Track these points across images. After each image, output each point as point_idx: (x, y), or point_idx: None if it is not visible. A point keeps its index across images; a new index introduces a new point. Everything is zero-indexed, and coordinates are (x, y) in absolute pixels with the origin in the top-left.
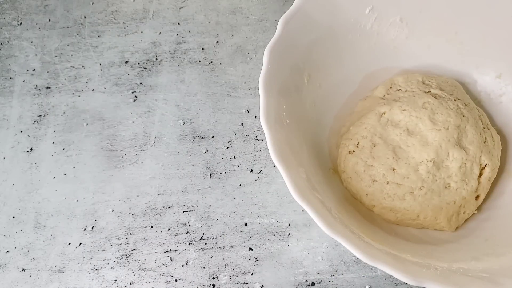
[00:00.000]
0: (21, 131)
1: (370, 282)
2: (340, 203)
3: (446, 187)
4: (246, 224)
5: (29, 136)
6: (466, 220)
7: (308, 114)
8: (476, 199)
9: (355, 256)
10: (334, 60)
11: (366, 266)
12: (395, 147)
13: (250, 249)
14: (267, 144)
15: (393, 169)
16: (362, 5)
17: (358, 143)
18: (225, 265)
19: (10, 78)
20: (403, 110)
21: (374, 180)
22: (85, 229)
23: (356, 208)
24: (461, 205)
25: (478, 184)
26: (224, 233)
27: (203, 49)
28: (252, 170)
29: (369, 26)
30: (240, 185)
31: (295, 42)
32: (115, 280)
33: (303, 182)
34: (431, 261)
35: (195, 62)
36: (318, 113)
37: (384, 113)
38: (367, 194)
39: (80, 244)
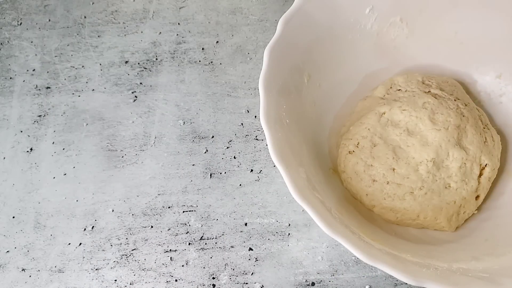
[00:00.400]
0: (21, 131)
1: (370, 282)
2: (340, 203)
3: (446, 187)
4: (246, 224)
5: (29, 136)
6: (466, 220)
7: (308, 114)
8: (476, 199)
9: (355, 256)
10: (334, 60)
11: (366, 266)
12: (395, 147)
13: (250, 249)
14: (267, 144)
15: (393, 169)
16: (362, 5)
17: (358, 143)
18: (225, 265)
19: (10, 78)
20: (403, 110)
21: (374, 180)
22: (85, 229)
23: (356, 208)
24: (461, 205)
25: (478, 184)
26: (224, 233)
27: (203, 49)
28: (252, 170)
29: (369, 26)
30: (240, 185)
31: (295, 42)
32: (115, 280)
33: (303, 182)
34: (431, 261)
35: (195, 62)
36: (318, 113)
37: (384, 113)
38: (367, 194)
39: (80, 244)
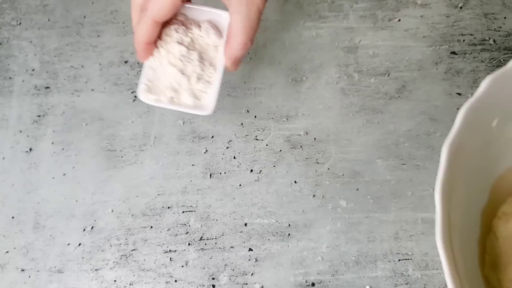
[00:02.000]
0: (20, 131)
1: (370, 282)
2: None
3: None
4: (246, 225)
5: (28, 136)
6: None
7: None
8: None
9: (355, 257)
10: None
11: (366, 266)
12: None
13: (250, 249)
14: (436, 227)
15: None
16: None
17: None
18: (224, 265)
19: (10, 78)
20: None
21: None
22: (84, 230)
23: None
24: None
25: None
26: (223, 234)
27: None
28: (252, 170)
29: None
30: (240, 185)
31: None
32: (115, 281)
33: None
34: None
35: None
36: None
37: None
38: None
39: (80, 244)
